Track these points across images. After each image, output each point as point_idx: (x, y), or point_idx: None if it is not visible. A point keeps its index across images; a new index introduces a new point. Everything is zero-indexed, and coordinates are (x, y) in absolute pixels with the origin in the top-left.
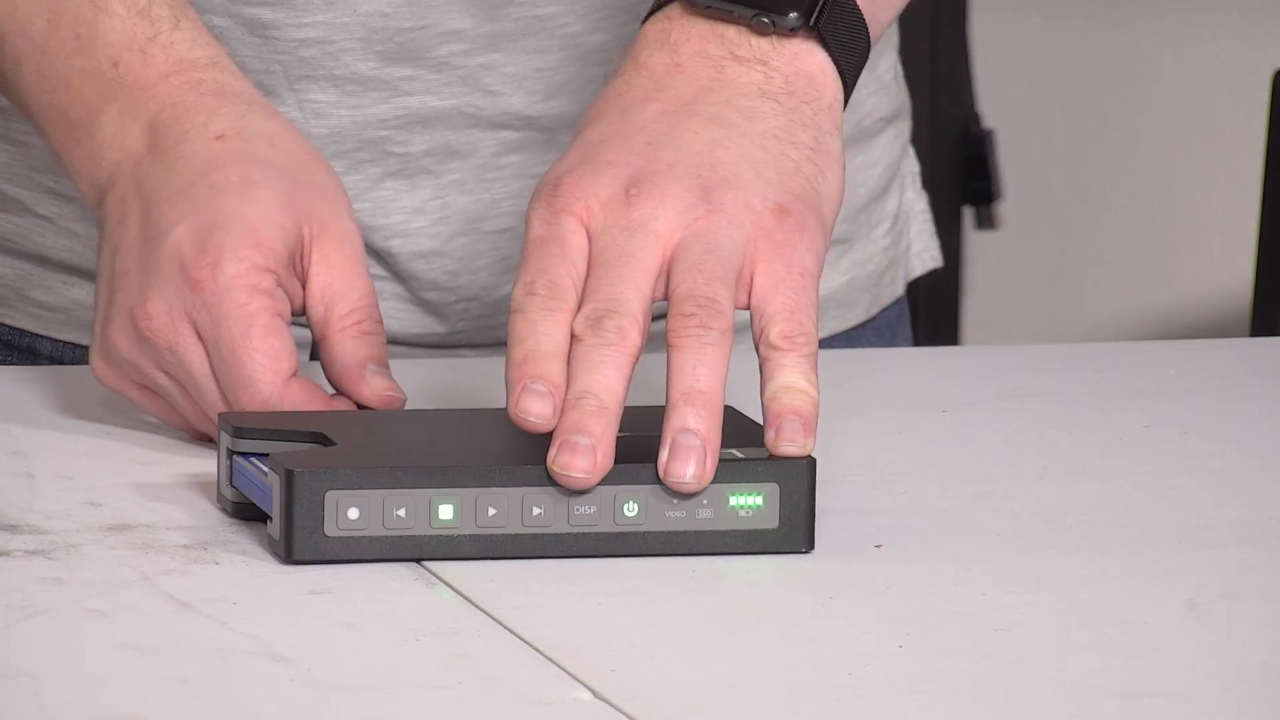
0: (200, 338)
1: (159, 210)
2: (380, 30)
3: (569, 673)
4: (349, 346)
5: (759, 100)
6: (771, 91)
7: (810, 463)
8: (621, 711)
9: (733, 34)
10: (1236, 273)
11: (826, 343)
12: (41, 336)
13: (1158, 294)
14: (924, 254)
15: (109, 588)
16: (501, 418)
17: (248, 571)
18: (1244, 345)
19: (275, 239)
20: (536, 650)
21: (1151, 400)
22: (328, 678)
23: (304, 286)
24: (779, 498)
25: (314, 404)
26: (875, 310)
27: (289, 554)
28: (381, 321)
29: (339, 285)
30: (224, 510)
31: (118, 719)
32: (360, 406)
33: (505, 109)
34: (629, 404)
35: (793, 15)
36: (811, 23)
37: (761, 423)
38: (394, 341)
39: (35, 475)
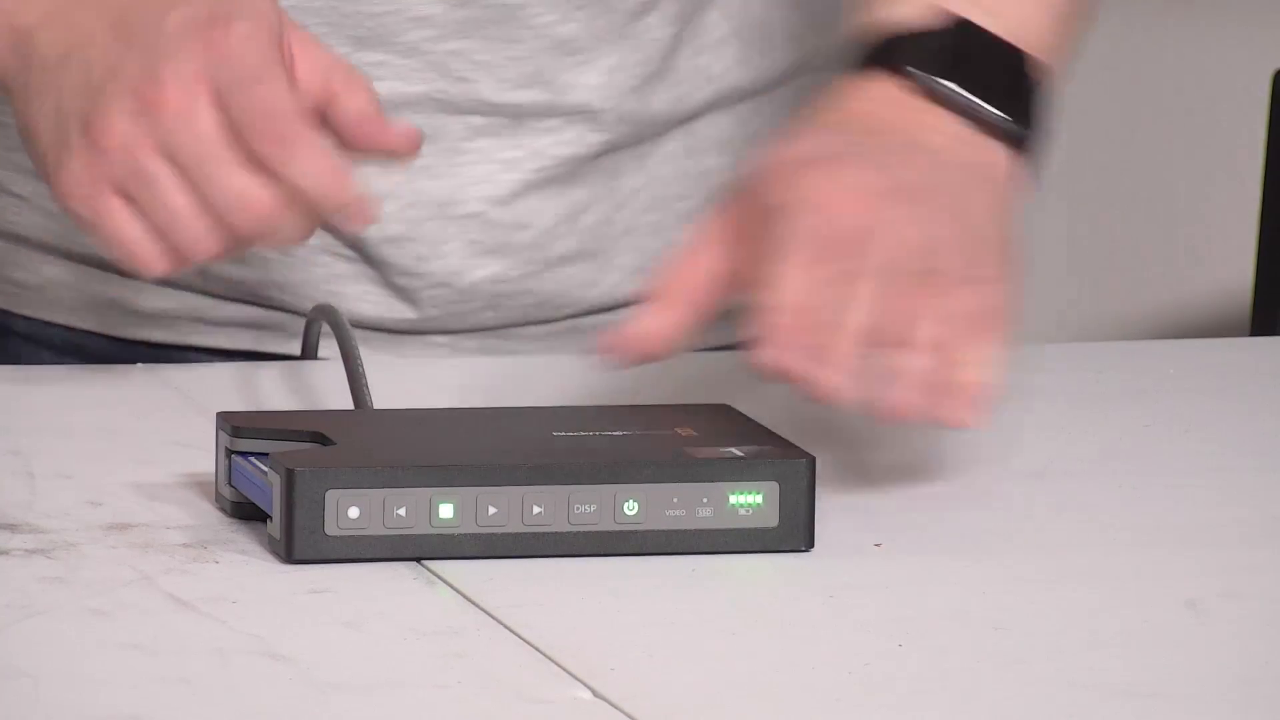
0: (215, 99)
1: (141, 13)
2: (350, 15)
3: (569, 672)
4: (363, 100)
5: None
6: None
7: (810, 461)
8: (621, 711)
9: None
10: (1236, 273)
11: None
12: (14, 315)
13: (1158, 294)
14: None
15: (109, 587)
16: (501, 417)
17: (248, 571)
18: (1244, 345)
19: (272, 15)
20: (536, 650)
21: (1151, 400)
22: (328, 677)
23: (292, 67)
24: (779, 496)
25: (320, 140)
26: None
27: (289, 553)
28: None
29: (328, 57)
30: (223, 510)
31: (118, 719)
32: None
33: (474, 95)
34: (629, 404)
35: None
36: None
37: (761, 423)
38: (368, 327)
39: (35, 475)
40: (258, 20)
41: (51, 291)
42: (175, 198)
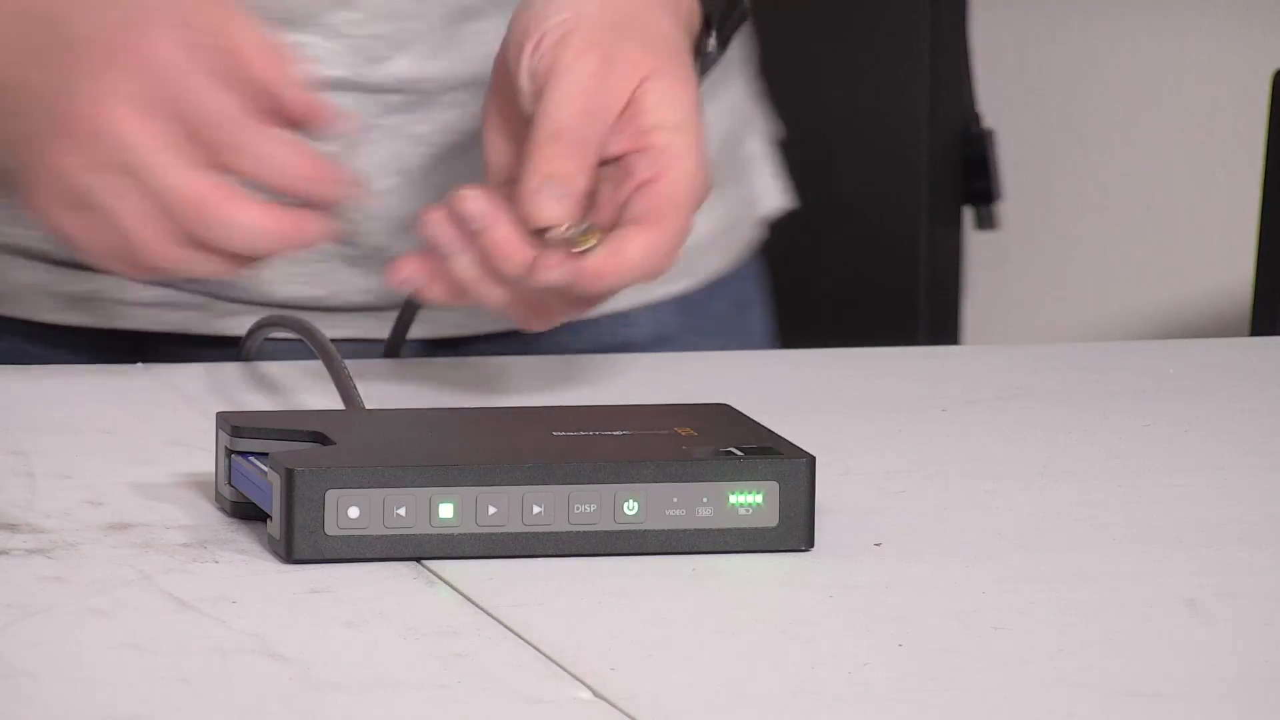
0: (150, 112)
1: (59, 27)
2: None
3: (569, 672)
4: (301, 80)
5: None
6: None
7: (810, 461)
8: (621, 711)
9: None
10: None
11: (700, 289)
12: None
13: (1158, 294)
14: (771, 194)
15: (109, 587)
16: (501, 418)
17: (247, 571)
18: (1244, 345)
19: (193, 10)
20: (536, 650)
21: (1151, 400)
22: (328, 677)
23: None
24: (779, 496)
25: (273, 131)
26: (741, 252)
27: (289, 553)
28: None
29: (260, 38)
30: (223, 510)
31: (117, 719)
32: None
33: (390, 73)
34: (628, 404)
35: None
36: None
37: (761, 423)
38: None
39: (35, 474)
40: (171, 23)
41: (14, 294)
42: (127, 214)
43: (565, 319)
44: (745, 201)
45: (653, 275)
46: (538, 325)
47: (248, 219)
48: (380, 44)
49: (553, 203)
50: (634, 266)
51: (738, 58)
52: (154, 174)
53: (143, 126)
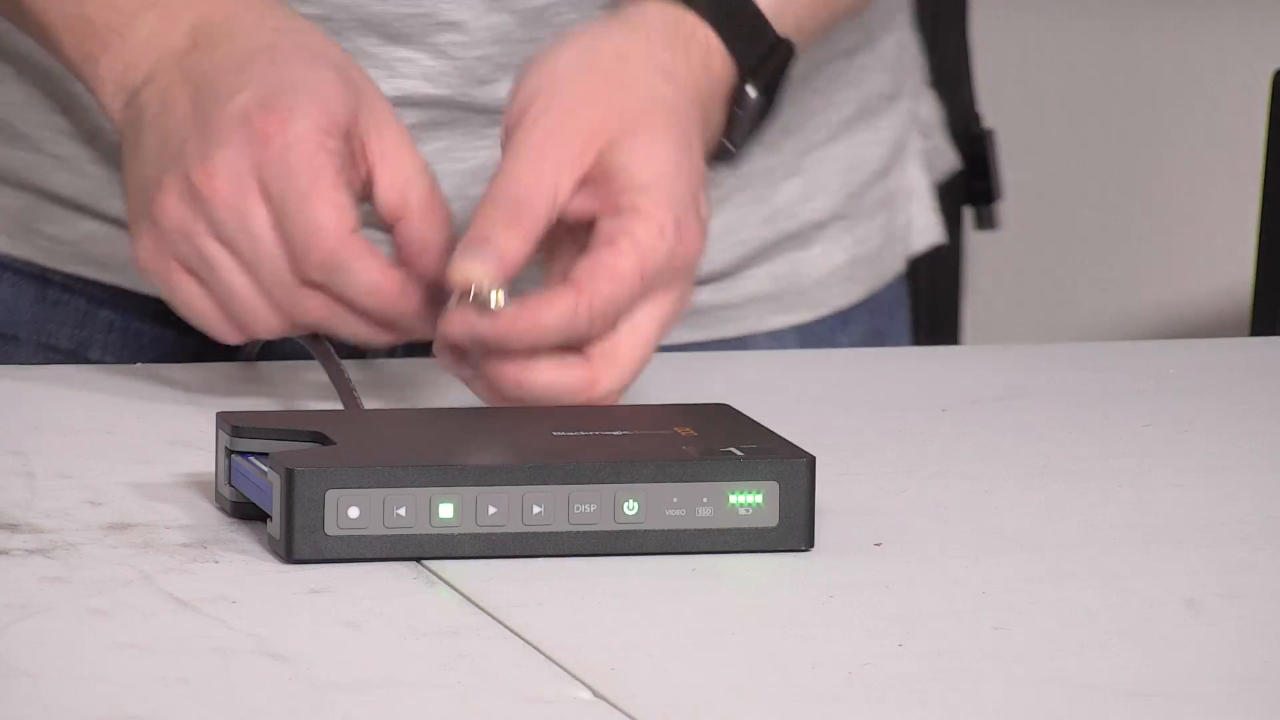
0: (265, 196)
1: (214, 87)
2: (378, 14)
3: (569, 672)
4: (432, 226)
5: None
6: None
7: (810, 461)
8: (621, 711)
9: None
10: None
11: (825, 320)
12: (53, 270)
13: (1158, 294)
14: (926, 230)
15: (109, 587)
16: (502, 417)
17: (247, 571)
18: (1244, 345)
19: (340, 109)
20: (536, 650)
21: (1151, 400)
22: (328, 677)
23: (370, 173)
24: (779, 496)
25: (372, 261)
26: (877, 286)
27: (289, 553)
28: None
29: (411, 170)
30: (223, 510)
31: (118, 719)
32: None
33: (495, 96)
34: (628, 404)
35: None
36: None
37: (761, 423)
38: None
39: (35, 474)
40: (318, 114)
41: (87, 247)
42: (233, 279)
43: (518, 393)
44: (890, 234)
45: (576, 337)
46: (496, 399)
47: (362, 330)
48: (487, 66)
49: (473, 264)
50: (545, 328)
51: (894, 89)
52: (268, 267)
53: (260, 213)
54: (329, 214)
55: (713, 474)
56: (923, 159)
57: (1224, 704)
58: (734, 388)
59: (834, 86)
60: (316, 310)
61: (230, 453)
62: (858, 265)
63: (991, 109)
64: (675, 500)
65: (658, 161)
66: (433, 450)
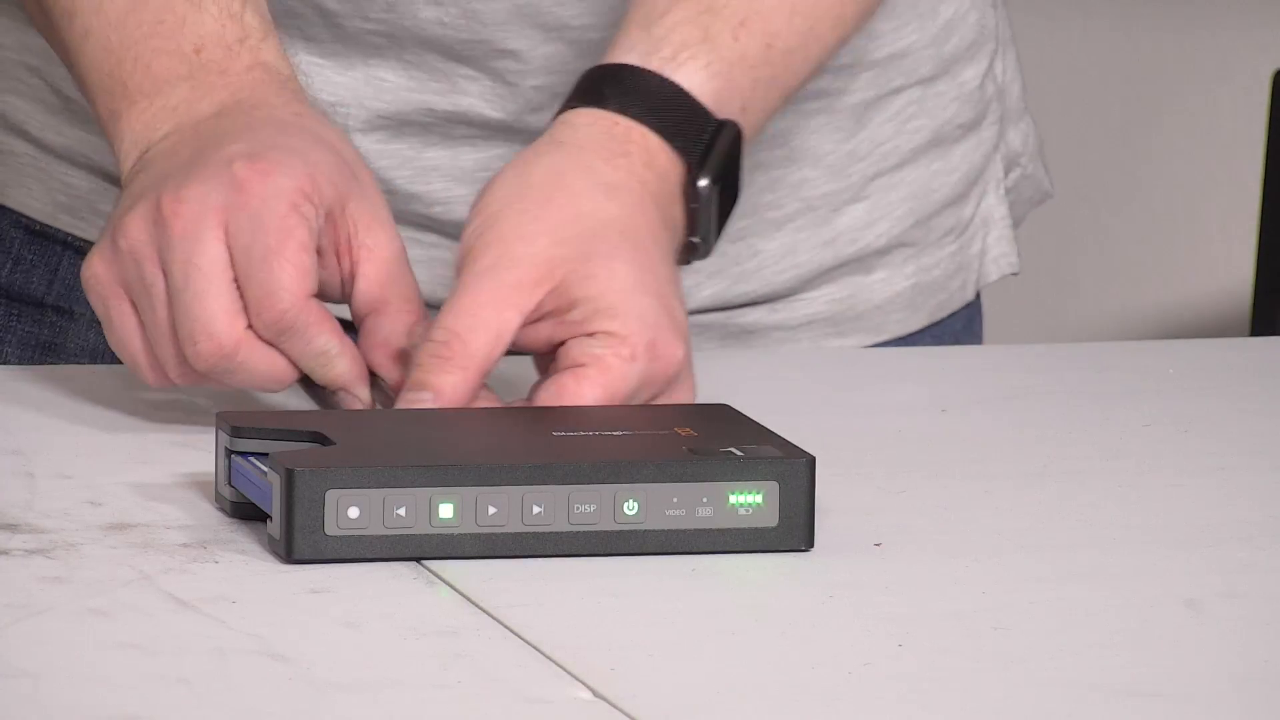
0: (226, 240)
1: (216, 141)
2: (439, 37)
3: (569, 672)
4: (402, 325)
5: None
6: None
7: (810, 461)
8: (621, 711)
9: None
10: (1236, 273)
11: (886, 345)
12: None
13: (1158, 294)
14: (1001, 260)
15: (109, 587)
16: (501, 417)
17: (247, 571)
18: (1244, 345)
19: (327, 186)
20: (536, 650)
21: (1151, 400)
22: (328, 677)
23: (354, 263)
24: (779, 496)
25: (324, 325)
26: (940, 315)
27: (289, 553)
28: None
29: (397, 269)
30: (223, 510)
31: (118, 719)
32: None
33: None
34: (628, 404)
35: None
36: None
37: (761, 423)
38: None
39: (35, 474)
40: (303, 179)
41: None
42: (163, 314)
43: None
44: (961, 263)
45: None
46: None
47: (327, 340)
48: (543, 94)
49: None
50: None
51: (974, 118)
52: (191, 296)
53: (213, 249)
54: (291, 275)
55: (713, 474)
56: (1004, 188)
57: (1224, 704)
58: (734, 388)
59: (906, 114)
60: (214, 348)
61: (230, 453)
62: (920, 293)
63: None
64: (675, 500)
65: (618, 281)
66: (432, 450)
